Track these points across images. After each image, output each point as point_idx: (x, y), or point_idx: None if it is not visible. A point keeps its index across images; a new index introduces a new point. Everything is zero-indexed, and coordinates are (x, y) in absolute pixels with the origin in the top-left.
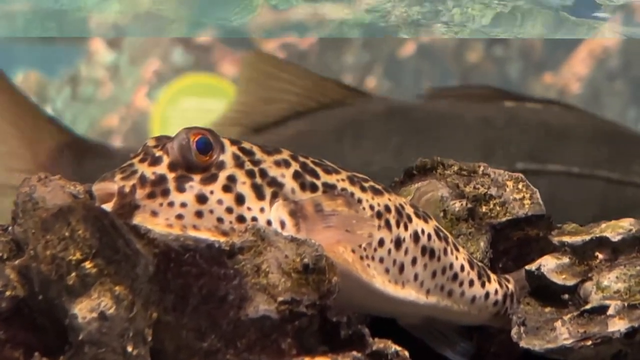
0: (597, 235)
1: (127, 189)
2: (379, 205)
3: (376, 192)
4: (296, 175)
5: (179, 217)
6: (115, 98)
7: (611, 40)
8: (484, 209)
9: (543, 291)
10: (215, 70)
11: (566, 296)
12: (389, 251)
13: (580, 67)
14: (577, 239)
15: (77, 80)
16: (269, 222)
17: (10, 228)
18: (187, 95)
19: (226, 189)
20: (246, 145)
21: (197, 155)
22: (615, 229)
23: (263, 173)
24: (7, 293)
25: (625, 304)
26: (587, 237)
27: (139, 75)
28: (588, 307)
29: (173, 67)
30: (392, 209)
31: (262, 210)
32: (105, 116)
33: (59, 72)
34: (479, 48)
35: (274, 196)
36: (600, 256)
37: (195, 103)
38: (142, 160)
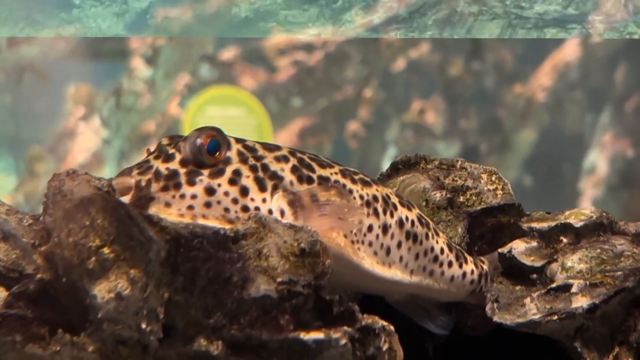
0: (562, 222)
1: (143, 183)
2: (367, 195)
3: (365, 183)
4: (294, 169)
5: (190, 207)
6: (152, 107)
7: (572, 56)
8: (461, 198)
9: (514, 271)
10: (236, 83)
11: (534, 276)
12: (377, 236)
13: (545, 79)
14: (544, 225)
15: (120, 92)
16: (270, 211)
17: (41, 218)
18: (212, 104)
19: (232, 182)
20: (249, 143)
21: (207, 156)
22: (578, 216)
23: (265, 167)
24: (38, 276)
25: (587, 283)
26: (553, 224)
27: (172, 87)
28: (554, 285)
29: (201, 80)
30: (380, 198)
31: (264, 200)
32: (144, 122)
33: (105, 85)
34: (459, 63)
35: (275, 188)
36: (565, 240)
37: (219, 111)
38: (157, 157)
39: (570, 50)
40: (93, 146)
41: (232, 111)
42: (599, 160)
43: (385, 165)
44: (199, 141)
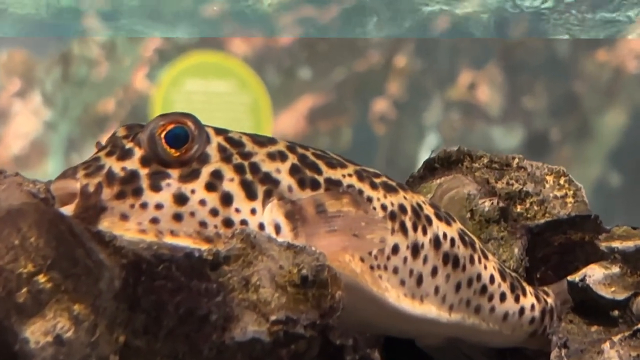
0: None
1: (91, 188)
2: (392, 204)
3: (389, 189)
4: (294, 170)
5: (154, 220)
6: (112, 80)
7: None
8: (518, 208)
9: (589, 306)
10: (224, 48)
11: (616, 312)
12: (405, 259)
13: (639, 43)
14: (629, 245)
15: (69, 59)
16: (261, 226)
17: None
18: (192, 76)
19: (210, 187)
20: (235, 135)
21: (165, 150)
22: None
23: (255, 168)
24: None
25: None
26: None
27: (138, 53)
28: None
29: (177, 44)
30: (409, 209)
31: (253, 211)
32: (100, 100)
33: (48, 51)
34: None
35: (268, 195)
36: None
37: (202, 85)
38: (109, 154)
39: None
40: (32, 131)
41: (219, 85)
42: None
43: (423, 158)
44: (155, 129)
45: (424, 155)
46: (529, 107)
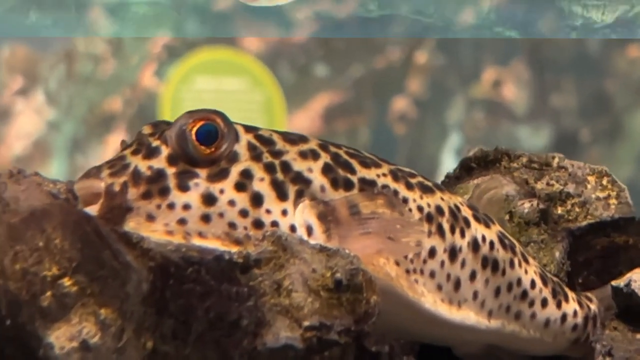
0: None
1: (116, 188)
2: (429, 206)
3: (426, 189)
4: (327, 170)
5: (181, 221)
6: (118, 77)
7: None
8: (559, 210)
9: (634, 313)
10: (236, 44)
11: None
12: (442, 263)
13: None
14: None
15: (74, 56)
16: (292, 228)
17: None
18: (202, 73)
19: (240, 186)
20: (265, 132)
21: (196, 147)
22: None
23: (286, 167)
24: None
25: None
26: None
27: (147, 49)
28: None
29: (186, 40)
30: (446, 210)
31: (284, 212)
32: (107, 99)
33: (52, 47)
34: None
35: (299, 195)
36: None
37: (213, 83)
38: (135, 152)
39: None
40: (35, 131)
41: (230, 83)
42: None
43: (445, 159)
44: (185, 126)
45: (446, 156)
46: (557, 105)
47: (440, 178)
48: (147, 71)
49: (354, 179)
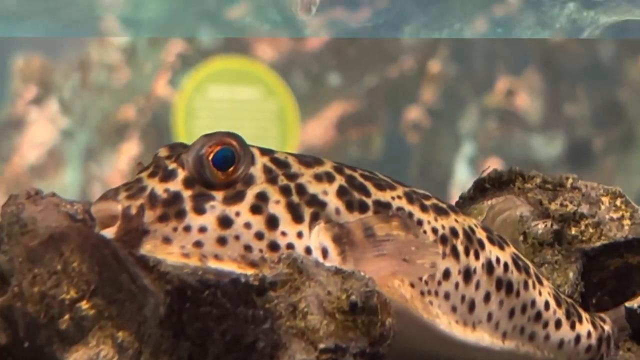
0: None
1: (133, 210)
2: (443, 227)
3: (440, 211)
4: (342, 192)
5: (198, 244)
6: (132, 86)
7: None
8: (573, 231)
9: None
10: (249, 52)
11: None
12: (457, 285)
13: None
14: None
15: (87, 65)
16: (308, 250)
17: None
18: (216, 82)
19: (255, 209)
20: (280, 155)
21: (213, 172)
22: None
23: (301, 189)
24: None
25: None
26: None
27: (160, 58)
28: None
29: (200, 48)
30: (460, 232)
31: (299, 235)
32: (120, 108)
33: (66, 56)
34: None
35: (315, 218)
36: None
37: (226, 92)
38: (152, 175)
39: None
40: (49, 140)
41: (244, 92)
42: None
43: (458, 168)
44: (202, 151)
45: (459, 166)
46: (571, 114)
47: (453, 187)
48: (161, 80)
49: (369, 201)
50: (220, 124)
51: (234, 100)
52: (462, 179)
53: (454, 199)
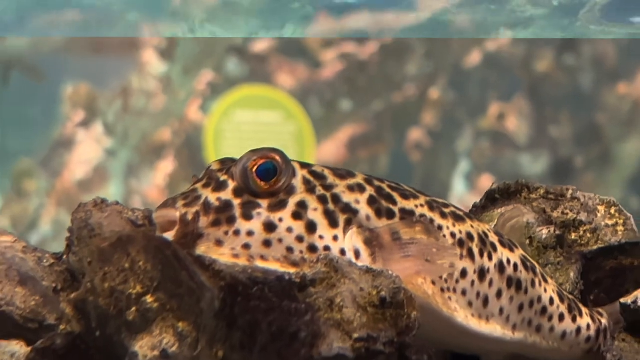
0: None
1: (190, 216)
2: (460, 232)
3: (458, 218)
4: (371, 201)
5: (246, 246)
6: (168, 111)
7: None
8: (573, 236)
9: None
10: (271, 81)
11: None
12: (472, 283)
13: None
14: None
15: (129, 92)
16: (342, 252)
17: (64, 257)
18: (241, 107)
19: (296, 216)
20: (317, 168)
21: (256, 183)
22: None
23: (336, 198)
24: (62, 327)
25: None
26: None
27: (192, 86)
28: None
29: (227, 78)
30: (475, 236)
31: (335, 238)
32: (157, 130)
33: (110, 84)
34: (548, 57)
35: (348, 223)
36: None
37: (251, 116)
38: (205, 185)
39: None
40: (95, 158)
41: (266, 116)
42: None
43: (456, 183)
44: (247, 164)
45: (456, 181)
46: (555, 136)
47: (451, 200)
48: (193, 106)
49: (395, 209)
50: (245, 145)
51: (257, 123)
52: (459, 193)
53: None
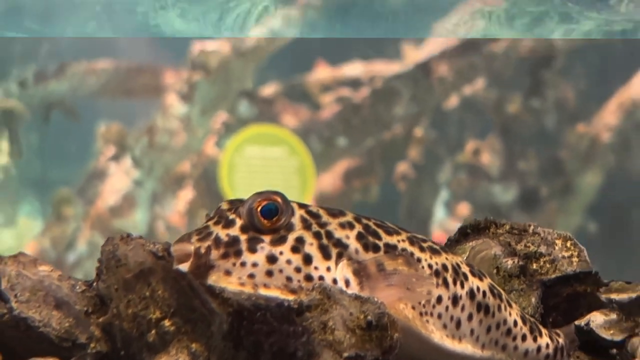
0: None
1: (203, 250)
2: (437, 264)
3: (434, 251)
4: (360, 237)
5: (251, 276)
6: (187, 146)
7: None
8: (534, 266)
9: (592, 345)
10: (277, 121)
11: (614, 351)
12: (447, 308)
13: (611, 118)
14: (624, 297)
15: (154, 130)
16: (334, 281)
17: (94, 284)
18: (251, 143)
19: (295, 249)
20: (313, 208)
21: (260, 221)
22: None
23: (329, 235)
24: (92, 346)
25: None
26: (634, 295)
27: (209, 125)
28: None
29: (239, 118)
30: (449, 267)
31: (328, 269)
32: (179, 163)
33: (137, 123)
34: (517, 100)
35: (339, 256)
36: None
37: (259, 151)
38: (216, 223)
39: (637, 87)
40: (124, 188)
41: (273, 151)
42: None
43: (437, 210)
44: (253, 205)
45: (437, 208)
46: (523, 169)
47: (433, 224)
48: (209, 142)
49: (380, 243)
50: (254, 177)
51: (265, 157)
52: (440, 218)
53: (435, 232)
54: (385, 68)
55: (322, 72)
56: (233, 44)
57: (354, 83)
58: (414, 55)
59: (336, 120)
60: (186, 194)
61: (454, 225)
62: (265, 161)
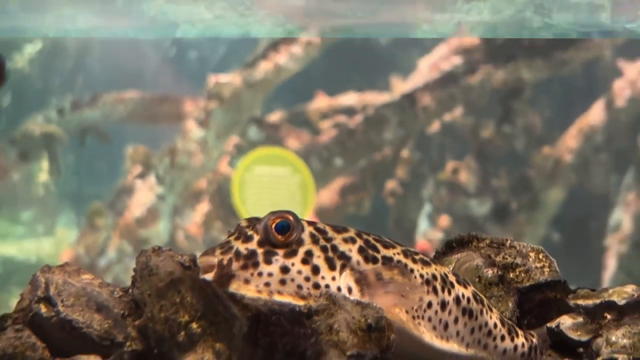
0: (606, 300)
1: (225, 262)
2: (427, 274)
3: (425, 263)
4: (361, 250)
5: (267, 284)
6: (204, 166)
7: (597, 120)
8: (511, 275)
9: (562, 345)
10: (282, 143)
11: (581, 349)
12: (436, 312)
13: (572, 141)
14: (589, 303)
15: (175, 152)
16: (339, 289)
17: (130, 290)
18: (260, 163)
19: (304, 261)
20: (320, 225)
21: (275, 236)
22: (621, 294)
23: (334, 248)
24: (128, 344)
25: (631, 357)
26: (598, 301)
27: (223, 147)
28: (599, 359)
29: (249, 141)
30: (438, 277)
31: (333, 278)
32: (196, 180)
33: (160, 146)
34: (491, 126)
35: (343, 267)
36: (609, 317)
37: (266, 170)
38: (237, 238)
39: (595, 115)
40: (149, 202)
41: (278, 170)
42: (623, 219)
43: (421, 222)
44: (268, 222)
45: (422, 220)
46: (495, 186)
47: (418, 234)
48: (223, 162)
49: (378, 256)
50: (262, 192)
51: (271, 175)
52: (423, 229)
53: (419, 241)
54: (376, 98)
55: (321, 102)
56: (244, 77)
57: (349, 111)
58: (401, 87)
59: (333, 143)
60: (203, 207)
61: (436, 235)
62: (271, 179)
